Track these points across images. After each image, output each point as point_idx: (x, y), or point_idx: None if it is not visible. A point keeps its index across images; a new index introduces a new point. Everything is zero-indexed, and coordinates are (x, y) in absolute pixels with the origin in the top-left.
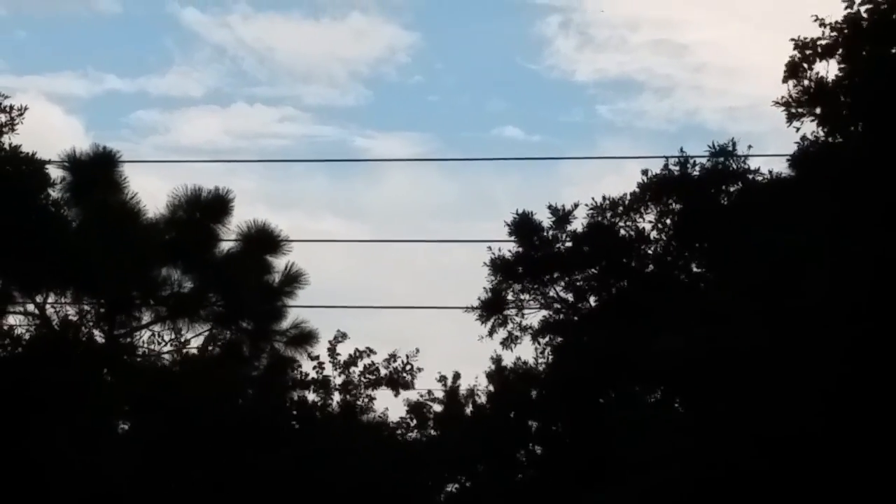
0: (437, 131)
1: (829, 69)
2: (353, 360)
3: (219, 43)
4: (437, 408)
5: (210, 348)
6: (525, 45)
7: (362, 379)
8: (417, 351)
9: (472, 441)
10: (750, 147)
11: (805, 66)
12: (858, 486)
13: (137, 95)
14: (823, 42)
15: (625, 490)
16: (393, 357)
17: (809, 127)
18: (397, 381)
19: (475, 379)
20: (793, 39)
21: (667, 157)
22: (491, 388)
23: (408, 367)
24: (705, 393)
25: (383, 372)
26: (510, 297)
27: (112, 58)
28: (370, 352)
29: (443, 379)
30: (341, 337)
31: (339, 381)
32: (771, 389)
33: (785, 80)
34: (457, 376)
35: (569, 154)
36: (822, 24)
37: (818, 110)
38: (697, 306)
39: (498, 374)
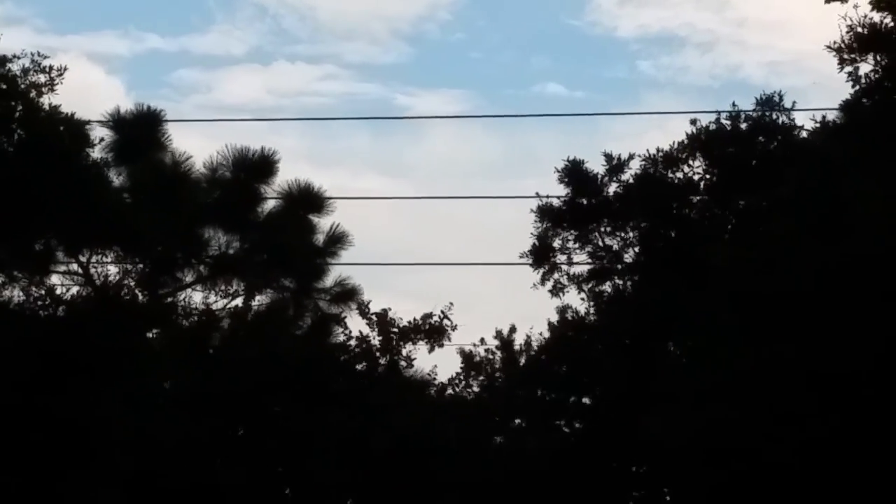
0: (479, 88)
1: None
2: (384, 317)
3: (260, 1)
4: (490, 357)
5: (254, 307)
6: (567, 1)
7: (399, 334)
8: (451, 304)
9: (525, 389)
10: (795, 103)
11: None
12: None
13: (179, 54)
14: None
15: (679, 419)
16: (428, 315)
17: (862, 71)
18: (433, 332)
19: (530, 329)
20: None
21: (718, 112)
22: (547, 337)
23: (444, 322)
24: (758, 327)
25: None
26: (556, 244)
27: (153, 16)
28: (386, 311)
29: (498, 334)
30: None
31: (377, 341)
32: (824, 329)
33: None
34: (513, 329)
35: (612, 110)
36: None
37: (871, 57)
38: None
39: (561, 324)
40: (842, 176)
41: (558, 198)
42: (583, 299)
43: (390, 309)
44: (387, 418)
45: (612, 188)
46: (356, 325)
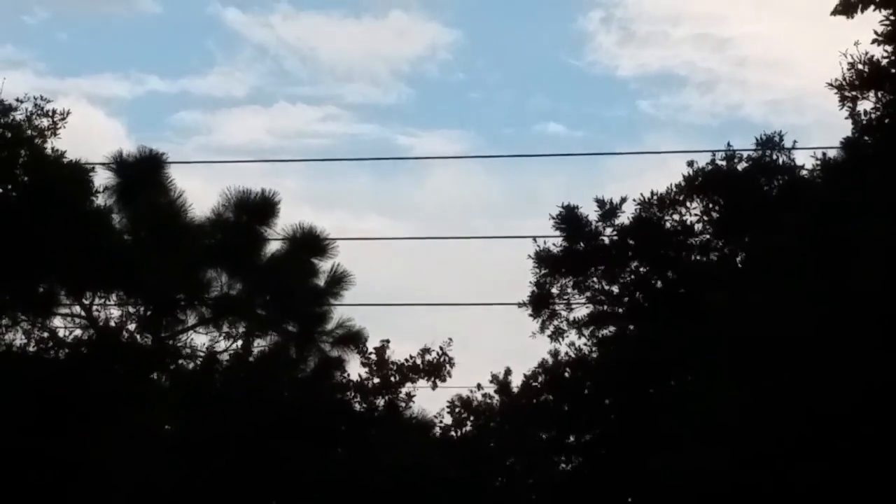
0: (479, 129)
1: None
2: (382, 356)
3: (260, 43)
4: (488, 401)
5: (257, 351)
6: (567, 41)
7: (399, 375)
8: (451, 340)
9: (524, 430)
10: (795, 142)
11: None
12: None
13: (180, 96)
14: None
15: (680, 457)
16: (426, 350)
17: (862, 108)
18: (434, 370)
19: (528, 370)
20: None
21: (714, 152)
22: (544, 378)
23: (443, 359)
24: (756, 370)
25: (419, 363)
26: (555, 290)
27: (154, 59)
28: (386, 343)
29: (494, 378)
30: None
31: (375, 380)
32: (821, 370)
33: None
34: (508, 371)
35: (612, 149)
36: None
37: (872, 94)
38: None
39: (555, 365)
40: (842, 218)
41: (555, 242)
42: (585, 344)
43: (388, 342)
44: (386, 457)
45: (608, 232)
46: (354, 364)
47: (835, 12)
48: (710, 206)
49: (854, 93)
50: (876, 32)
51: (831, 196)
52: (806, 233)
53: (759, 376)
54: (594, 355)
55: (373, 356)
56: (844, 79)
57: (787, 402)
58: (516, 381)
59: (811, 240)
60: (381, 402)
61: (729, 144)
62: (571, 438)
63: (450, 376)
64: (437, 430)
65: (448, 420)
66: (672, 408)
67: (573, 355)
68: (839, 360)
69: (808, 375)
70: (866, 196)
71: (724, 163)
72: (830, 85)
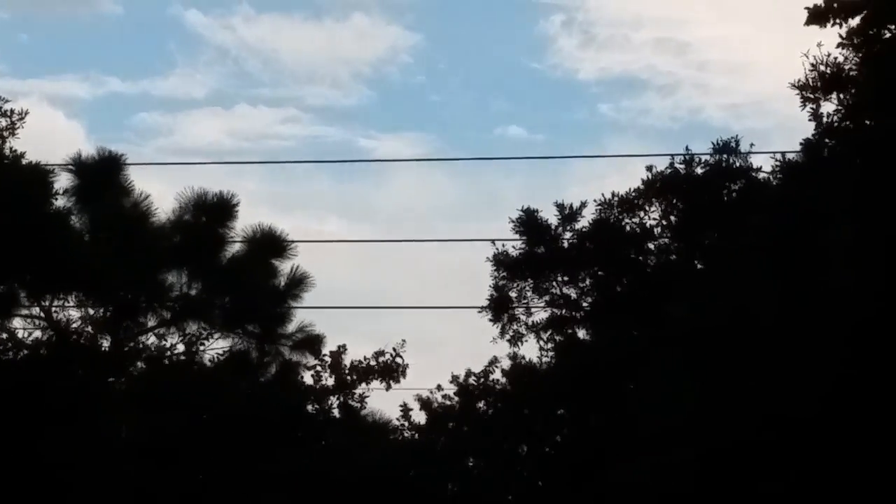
0: (440, 131)
1: (846, 55)
2: (337, 360)
3: (221, 44)
4: (447, 402)
5: (217, 353)
6: (528, 45)
7: (354, 375)
8: (404, 342)
9: (482, 434)
10: (752, 145)
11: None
12: (857, 468)
13: (140, 98)
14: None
15: (637, 467)
16: (380, 353)
17: (825, 110)
18: (387, 370)
19: (488, 374)
20: (807, 8)
21: (672, 156)
22: (504, 383)
23: (396, 360)
24: (714, 367)
25: (373, 364)
26: (514, 294)
27: (114, 60)
28: (342, 350)
29: (454, 379)
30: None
31: (330, 382)
32: (778, 369)
33: (808, 24)
34: (468, 374)
35: (573, 153)
36: None
37: (834, 96)
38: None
39: (513, 369)
40: (801, 220)
41: (514, 245)
42: (541, 348)
43: (345, 347)
44: (344, 458)
45: (567, 236)
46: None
47: (808, 23)
48: (669, 209)
49: (816, 94)
50: (841, 37)
51: (791, 198)
52: (766, 235)
53: (717, 381)
54: (551, 361)
55: (327, 359)
56: (807, 80)
57: (744, 405)
58: (476, 384)
59: (771, 242)
60: (334, 403)
61: (687, 148)
62: (525, 448)
63: (404, 377)
64: (397, 432)
65: (406, 421)
66: (631, 413)
67: (532, 360)
68: (797, 363)
69: (766, 378)
70: (825, 198)
71: (682, 167)
72: (793, 86)
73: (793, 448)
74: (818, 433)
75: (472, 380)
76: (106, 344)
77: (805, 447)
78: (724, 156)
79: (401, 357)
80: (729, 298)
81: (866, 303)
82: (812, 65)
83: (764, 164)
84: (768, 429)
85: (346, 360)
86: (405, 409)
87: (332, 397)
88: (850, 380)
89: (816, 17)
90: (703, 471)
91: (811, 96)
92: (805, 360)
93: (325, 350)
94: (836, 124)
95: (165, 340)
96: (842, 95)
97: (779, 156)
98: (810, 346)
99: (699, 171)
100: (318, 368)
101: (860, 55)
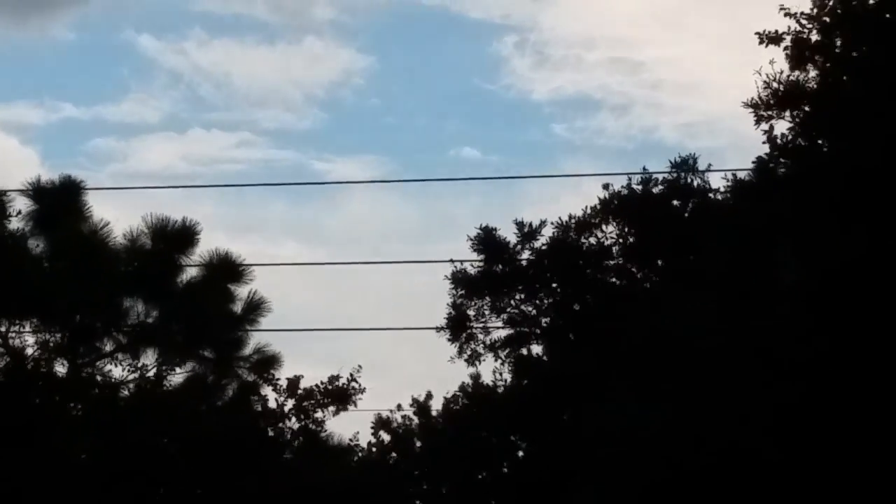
0: (394, 154)
1: (802, 74)
2: (293, 385)
3: (174, 69)
4: (406, 423)
5: (173, 378)
6: (481, 66)
7: (309, 401)
8: (360, 367)
9: (438, 459)
10: (710, 165)
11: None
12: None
13: (94, 123)
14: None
15: (586, 496)
16: (335, 377)
17: (778, 130)
18: (341, 395)
19: (447, 393)
20: (758, 34)
21: (629, 175)
22: (463, 403)
23: (351, 385)
24: (666, 394)
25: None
26: (472, 313)
27: (68, 86)
28: (299, 378)
29: (415, 402)
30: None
31: (289, 404)
32: (724, 396)
33: (765, 43)
34: (429, 396)
35: (527, 173)
36: (788, 15)
37: (788, 114)
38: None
39: (475, 389)
40: (754, 243)
41: (472, 264)
42: (495, 370)
43: (301, 377)
44: (303, 480)
45: (526, 255)
46: (266, 391)
47: (761, 42)
48: (626, 229)
49: (770, 112)
50: (788, 55)
51: (740, 218)
52: (714, 259)
53: (669, 408)
54: (506, 382)
55: (281, 384)
56: (760, 98)
57: (695, 429)
58: (437, 405)
59: (719, 266)
60: (291, 426)
61: (645, 168)
62: (483, 475)
63: (355, 405)
64: (353, 453)
65: (364, 443)
66: (587, 433)
67: (490, 383)
68: (748, 386)
69: (715, 406)
70: (773, 220)
71: (639, 186)
72: (746, 104)
73: (744, 480)
74: (768, 464)
75: (431, 402)
76: (62, 369)
77: (756, 479)
78: (682, 173)
79: (356, 382)
80: (679, 323)
81: (813, 335)
82: (765, 82)
83: (720, 183)
84: (718, 458)
85: (303, 386)
86: (374, 430)
87: (289, 420)
88: (792, 411)
89: (770, 40)
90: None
91: (765, 114)
92: (749, 389)
93: (282, 376)
94: (788, 144)
95: (122, 365)
96: (795, 113)
97: (731, 175)
98: (753, 375)
99: (655, 190)
100: (275, 392)
101: (815, 73)
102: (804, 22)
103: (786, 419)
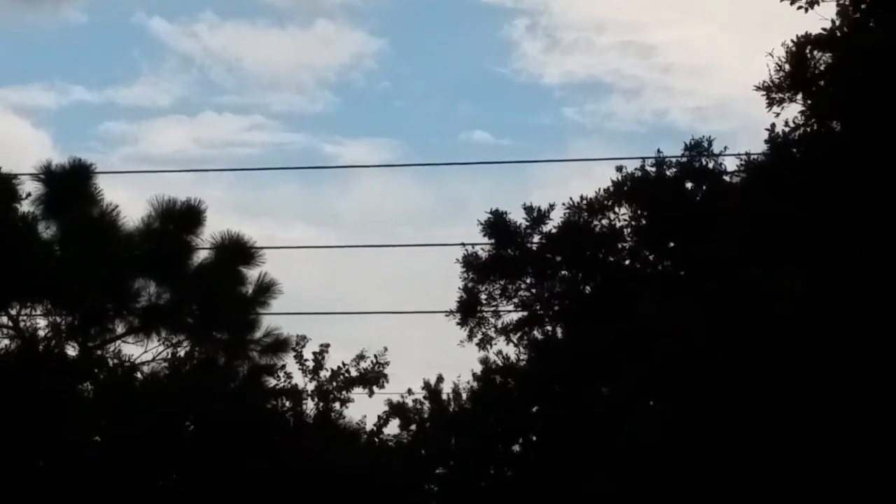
0: (405, 137)
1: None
2: (319, 362)
3: (186, 52)
4: (418, 406)
5: (186, 359)
6: (492, 49)
7: (335, 382)
8: (386, 349)
9: (454, 439)
10: (726, 148)
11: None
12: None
13: (105, 107)
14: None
15: (611, 481)
16: (361, 357)
17: (790, 113)
18: (370, 379)
19: (457, 378)
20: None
21: (643, 159)
22: (475, 385)
23: (378, 367)
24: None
25: (353, 372)
26: (483, 297)
27: (79, 69)
28: (325, 348)
29: (426, 385)
30: (302, 340)
31: (311, 386)
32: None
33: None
34: (440, 379)
35: (538, 157)
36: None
37: (800, 96)
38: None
39: (485, 372)
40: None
41: (483, 248)
42: (514, 350)
43: (328, 346)
44: (316, 463)
45: (536, 239)
46: (292, 368)
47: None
48: (639, 211)
49: (782, 94)
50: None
51: (753, 201)
52: (727, 243)
53: (683, 396)
54: (523, 362)
55: (309, 363)
56: (772, 81)
57: (709, 423)
58: (448, 389)
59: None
60: (312, 407)
61: (659, 151)
62: (499, 447)
63: (387, 382)
64: (368, 436)
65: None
66: (599, 424)
67: (501, 363)
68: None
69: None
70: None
71: (653, 169)
72: (758, 87)
73: (755, 475)
74: (784, 460)
75: (442, 386)
76: (73, 352)
77: (770, 475)
78: (695, 155)
79: (382, 366)
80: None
81: (810, 333)
82: (777, 64)
83: (733, 166)
84: (725, 451)
85: (328, 362)
86: (386, 416)
87: (309, 400)
88: (793, 403)
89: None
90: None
91: (776, 97)
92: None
93: (308, 352)
94: (801, 126)
95: (134, 346)
96: (806, 96)
97: (745, 156)
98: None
99: (669, 173)
100: (297, 369)
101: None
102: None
103: (788, 412)
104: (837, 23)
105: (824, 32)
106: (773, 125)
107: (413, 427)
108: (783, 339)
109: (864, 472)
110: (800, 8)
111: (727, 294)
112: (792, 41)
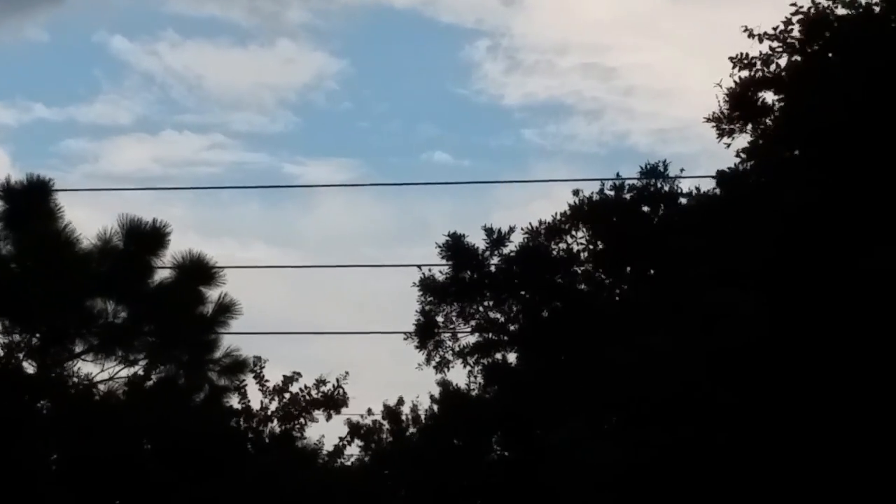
0: (366, 157)
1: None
2: (284, 387)
3: (147, 71)
4: (377, 426)
5: (144, 378)
6: (453, 70)
7: (298, 404)
8: (347, 374)
9: (412, 463)
10: (682, 170)
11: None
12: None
13: (66, 124)
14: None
15: None
16: (322, 381)
17: (740, 143)
18: (333, 402)
19: (416, 398)
20: (731, 58)
21: (602, 181)
22: (435, 408)
23: (339, 391)
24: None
25: (315, 394)
26: (440, 319)
27: (40, 87)
28: (297, 375)
29: (386, 408)
30: (259, 361)
31: (272, 407)
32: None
33: (737, 68)
34: (400, 401)
35: (499, 178)
36: (752, 36)
37: (749, 127)
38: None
39: (444, 396)
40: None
41: (441, 270)
42: (470, 373)
43: (299, 374)
44: (277, 485)
45: (495, 261)
46: (252, 391)
47: (735, 66)
48: (595, 235)
49: (731, 125)
50: (764, 72)
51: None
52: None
53: (640, 432)
54: (475, 392)
55: (269, 384)
56: (721, 112)
57: (664, 462)
58: (407, 410)
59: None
60: (271, 429)
61: (618, 174)
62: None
63: (346, 406)
64: (327, 458)
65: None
66: (554, 459)
67: (459, 387)
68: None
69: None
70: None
71: (612, 192)
72: (708, 119)
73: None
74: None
75: (402, 408)
76: (31, 370)
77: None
78: (652, 180)
79: (342, 389)
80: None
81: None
82: (727, 95)
83: (691, 188)
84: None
85: (295, 388)
86: (348, 437)
87: (270, 424)
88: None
89: (742, 66)
90: None
91: (726, 128)
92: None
93: (270, 374)
94: (749, 157)
95: (93, 365)
96: (755, 126)
97: (698, 183)
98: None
99: (627, 195)
100: (258, 390)
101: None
102: (772, 44)
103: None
104: (783, 65)
105: (769, 75)
106: (736, 153)
107: (373, 446)
108: (733, 356)
109: (819, 482)
110: (752, 37)
111: (687, 316)
112: (735, 82)
